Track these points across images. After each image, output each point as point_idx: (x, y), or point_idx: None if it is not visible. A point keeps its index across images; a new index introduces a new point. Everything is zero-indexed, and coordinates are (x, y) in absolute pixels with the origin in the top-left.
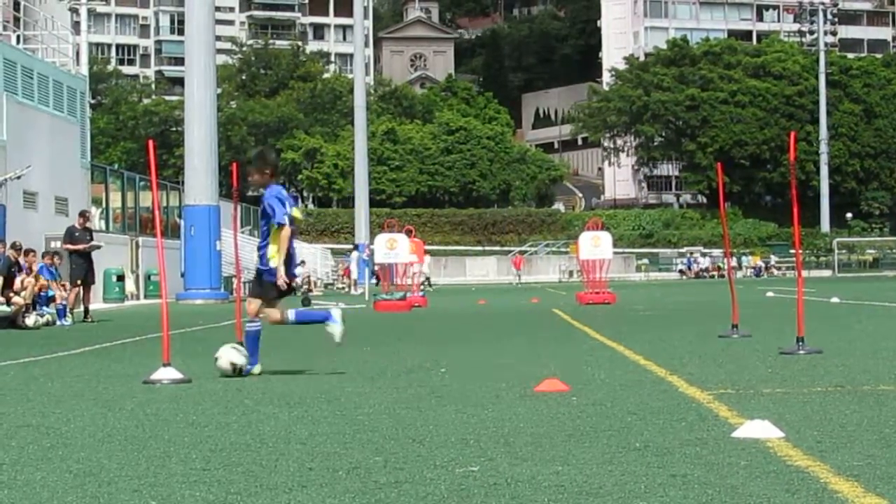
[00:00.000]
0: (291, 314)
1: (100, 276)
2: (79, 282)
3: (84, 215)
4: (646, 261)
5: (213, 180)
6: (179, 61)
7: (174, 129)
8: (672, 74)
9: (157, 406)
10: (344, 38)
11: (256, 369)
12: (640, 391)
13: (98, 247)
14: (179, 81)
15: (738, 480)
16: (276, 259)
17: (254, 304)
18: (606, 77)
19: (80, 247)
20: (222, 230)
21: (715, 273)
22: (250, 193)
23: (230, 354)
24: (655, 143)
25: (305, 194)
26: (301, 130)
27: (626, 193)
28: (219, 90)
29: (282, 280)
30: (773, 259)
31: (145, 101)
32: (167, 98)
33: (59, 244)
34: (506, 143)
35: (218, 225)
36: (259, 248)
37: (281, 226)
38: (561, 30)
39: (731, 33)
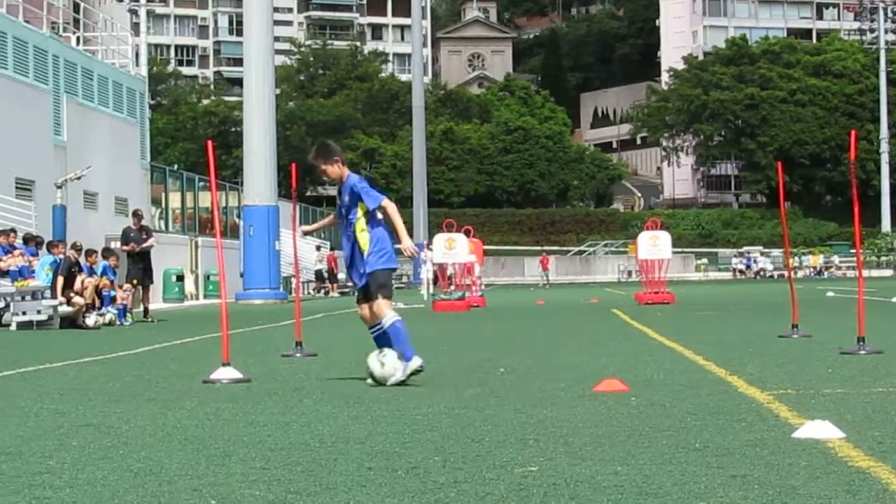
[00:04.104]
0: None
1: (159, 277)
2: (135, 282)
3: (137, 215)
4: (705, 260)
5: (272, 180)
6: (238, 62)
7: (233, 129)
8: (731, 73)
9: (216, 405)
10: (402, 38)
11: None
12: (699, 391)
13: (149, 246)
14: (238, 82)
15: (798, 481)
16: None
17: None
18: (665, 76)
19: (132, 247)
20: (281, 230)
21: (774, 273)
22: (309, 193)
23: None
24: (714, 143)
25: None
26: (359, 130)
27: (685, 193)
28: (277, 91)
29: None
30: (836, 259)
31: (204, 101)
32: (226, 98)
33: (118, 244)
34: (564, 143)
35: (277, 225)
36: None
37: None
38: (619, 29)
39: (791, 32)
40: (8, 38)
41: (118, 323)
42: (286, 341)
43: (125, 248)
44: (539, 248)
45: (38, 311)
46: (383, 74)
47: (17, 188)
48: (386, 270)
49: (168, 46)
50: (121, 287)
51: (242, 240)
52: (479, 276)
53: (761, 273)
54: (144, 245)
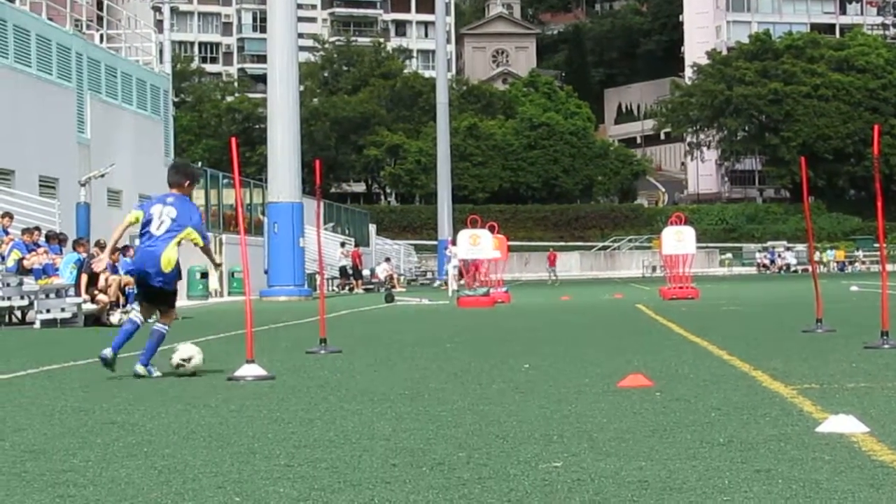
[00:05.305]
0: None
1: (183, 274)
2: None
3: None
4: (729, 255)
5: (296, 177)
6: (262, 59)
7: (257, 126)
8: (755, 69)
9: (240, 403)
10: (426, 35)
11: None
12: (723, 386)
13: None
14: (262, 79)
15: (822, 475)
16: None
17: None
18: (689, 72)
19: None
20: (305, 227)
21: (799, 268)
22: (333, 190)
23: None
24: (738, 138)
25: (388, 190)
26: (383, 127)
27: (709, 188)
28: (301, 87)
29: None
30: (860, 253)
31: (228, 98)
32: (250, 95)
33: None
34: (588, 139)
35: (301, 222)
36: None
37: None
38: (643, 25)
39: (814, 27)
40: (31, 35)
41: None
42: (310, 338)
43: None
44: (563, 243)
45: (62, 309)
46: (407, 71)
47: (40, 186)
48: None
49: (192, 43)
50: None
51: (267, 237)
52: (486, 271)
53: (785, 268)
54: None
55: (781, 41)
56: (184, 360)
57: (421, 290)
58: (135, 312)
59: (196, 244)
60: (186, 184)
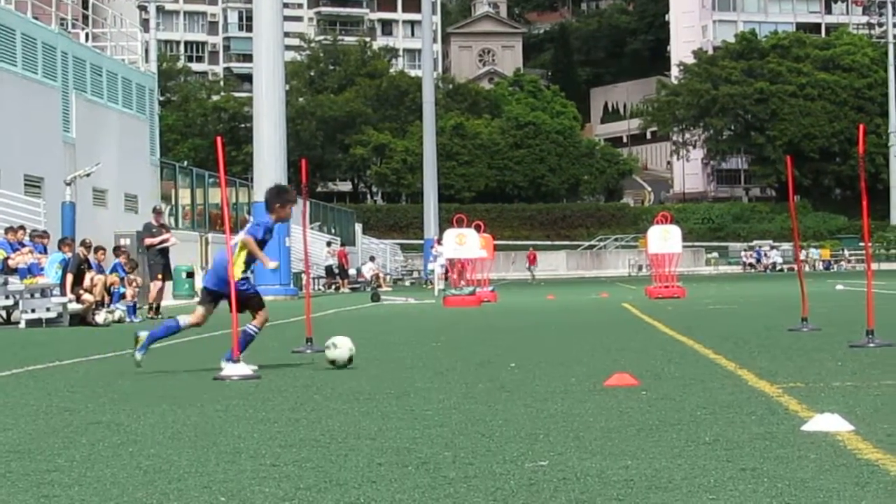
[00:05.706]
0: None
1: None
2: (159, 276)
3: (157, 211)
4: (715, 254)
5: (282, 176)
6: (248, 58)
7: (243, 125)
8: (740, 68)
9: (226, 402)
10: (412, 34)
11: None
12: (709, 385)
13: (172, 243)
14: (248, 78)
15: (807, 474)
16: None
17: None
18: (675, 71)
19: (156, 240)
20: (291, 226)
21: (784, 267)
22: (319, 189)
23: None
24: (724, 137)
25: (374, 189)
26: (370, 126)
27: (695, 187)
28: (287, 86)
29: None
30: (846, 252)
31: (214, 97)
32: (236, 94)
33: (127, 242)
34: (574, 138)
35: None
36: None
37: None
38: (629, 24)
39: (800, 26)
40: (16, 34)
41: (128, 320)
42: (296, 338)
43: (148, 240)
44: (549, 242)
45: (48, 309)
46: (393, 70)
47: (25, 185)
48: None
49: (178, 42)
50: (153, 280)
51: None
52: (472, 270)
53: (771, 267)
54: (167, 243)
55: (767, 40)
56: (330, 354)
57: (407, 289)
58: (185, 316)
59: (249, 249)
60: (276, 206)
